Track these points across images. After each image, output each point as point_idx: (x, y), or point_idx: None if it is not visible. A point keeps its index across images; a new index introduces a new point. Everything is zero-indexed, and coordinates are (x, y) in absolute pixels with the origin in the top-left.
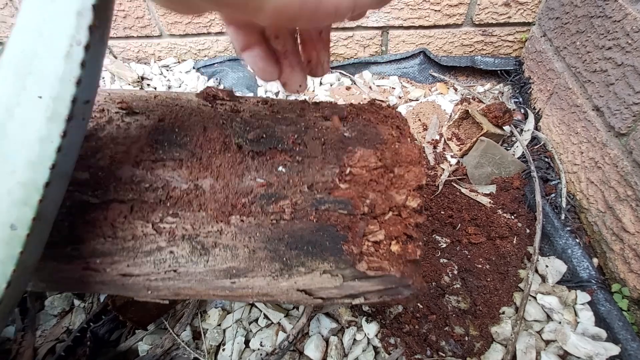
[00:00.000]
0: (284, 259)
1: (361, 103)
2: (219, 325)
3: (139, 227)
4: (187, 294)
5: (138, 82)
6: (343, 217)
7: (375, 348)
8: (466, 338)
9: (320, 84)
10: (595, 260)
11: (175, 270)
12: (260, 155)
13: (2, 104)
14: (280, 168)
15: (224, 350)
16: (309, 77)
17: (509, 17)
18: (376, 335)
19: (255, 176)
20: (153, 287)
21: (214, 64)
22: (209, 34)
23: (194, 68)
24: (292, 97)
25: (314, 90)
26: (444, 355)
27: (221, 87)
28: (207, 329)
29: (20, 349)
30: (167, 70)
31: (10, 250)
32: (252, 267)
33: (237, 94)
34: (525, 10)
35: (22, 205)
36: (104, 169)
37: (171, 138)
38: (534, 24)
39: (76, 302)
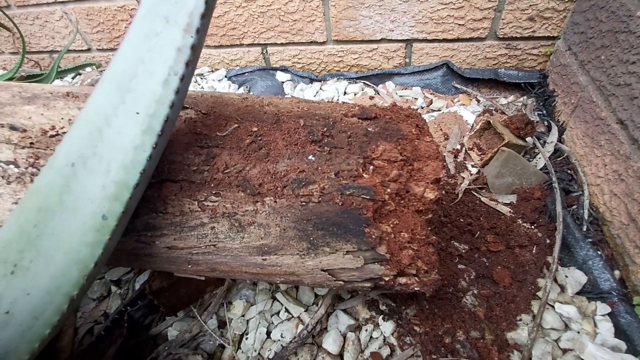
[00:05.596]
0: (311, 238)
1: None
2: (243, 315)
3: (187, 204)
4: (222, 270)
5: None
6: (366, 202)
7: (391, 346)
8: (481, 341)
9: (345, 93)
10: (617, 273)
11: (214, 245)
12: (293, 145)
13: (102, 112)
14: (310, 157)
15: (246, 339)
16: (334, 86)
17: (534, 32)
18: (392, 334)
19: (288, 163)
20: (194, 261)
21: (244, 73)
22: (241, 45)
23: (225, 77)
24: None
25: (338, 99)
26: (458, 357)
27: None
28: (232, 319)
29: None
30: (201, 78)
31: (100, 236)
32: (282, 245)
33: None
34: (550, 24)
35: (113, 200)
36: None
37: (215, 129)
38: (559, 38)
39: (113, 288)
